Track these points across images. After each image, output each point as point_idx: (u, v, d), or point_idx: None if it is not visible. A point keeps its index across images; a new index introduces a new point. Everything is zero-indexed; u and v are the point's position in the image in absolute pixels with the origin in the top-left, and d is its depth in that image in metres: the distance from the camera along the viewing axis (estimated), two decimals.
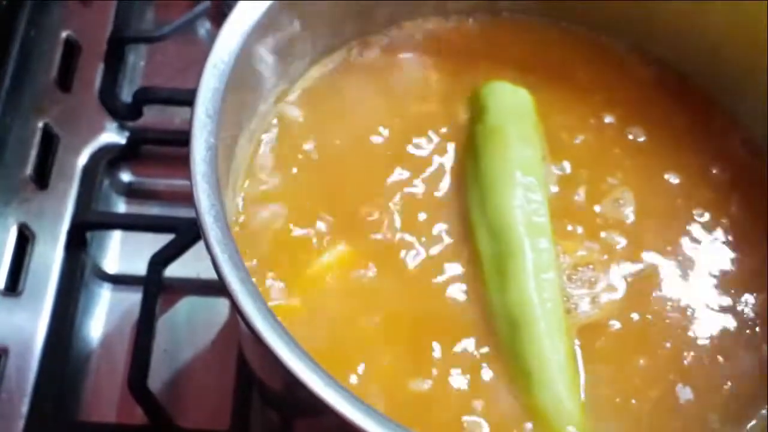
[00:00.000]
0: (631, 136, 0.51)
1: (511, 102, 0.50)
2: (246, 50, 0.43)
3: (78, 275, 0.58)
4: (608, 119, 0.52)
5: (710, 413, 0.44)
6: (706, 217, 0.49)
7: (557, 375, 0.43)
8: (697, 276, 0.47)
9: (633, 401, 0.44)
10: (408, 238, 0.47)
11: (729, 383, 0.45)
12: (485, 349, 0.44)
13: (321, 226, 0.47)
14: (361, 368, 0.43)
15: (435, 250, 0.46)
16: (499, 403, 0.43)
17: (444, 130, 0.50)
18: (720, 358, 0.45)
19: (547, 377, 0.42)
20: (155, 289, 0.57)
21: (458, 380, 0.43)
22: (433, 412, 0.42)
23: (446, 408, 0.43)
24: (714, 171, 0.51)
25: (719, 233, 0.49)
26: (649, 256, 0.47)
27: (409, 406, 0.43)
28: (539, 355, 0.43)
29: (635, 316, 0.46)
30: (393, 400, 0.42)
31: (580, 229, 0.47)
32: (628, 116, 0.52)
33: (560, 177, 0.49)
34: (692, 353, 0.45)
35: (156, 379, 0.56)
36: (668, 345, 0.45)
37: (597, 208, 0.48)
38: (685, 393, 0.44)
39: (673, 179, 0.50)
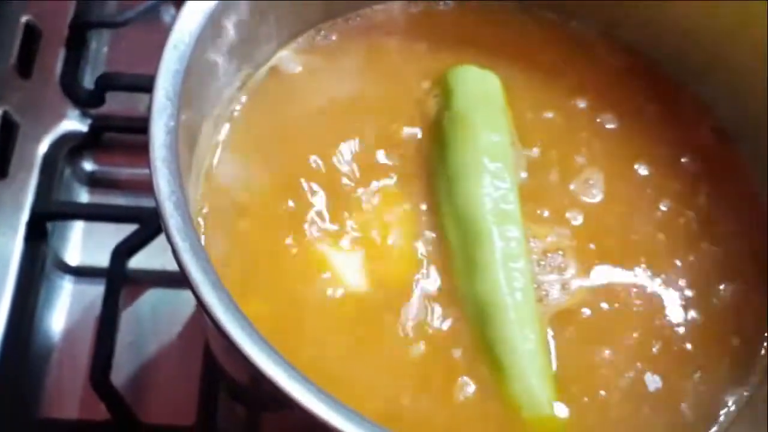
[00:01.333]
0: (601, 122, 0.51)
1: (479, 86, 0.49)
2: (207, 32, 0.41)
3: (38, 267, 0.57)
4: (579, 104, 0.51)
5: (681, 401, 0.44)
6: (673, 207, 0.48)
7: (528, 365, 0.42)
8: (664, 265, 0.47)
9: (602, 393, 0.43)
10: (374, 226, 0.46)
11: (699, 372, 0.44)
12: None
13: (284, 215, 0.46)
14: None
15: (402, 240, 0.46)
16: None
17: (411, 115, 0.49)
18: (688, 346, 0.45)
19: (518, 367, 0.42)
20: (118, 280, 0.55)
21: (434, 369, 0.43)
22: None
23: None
24: (684, 160, 0.50)
25: (686, 223, 0.48)
26: (617, 244, 0.47)
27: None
28: (510, 346, 0.42)
29: (604, 304, 0.45)
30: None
31: (549, 214, 0.47)
32: (599, 102, 0.51)
33: (529, 162, 0.48)
34: (660, 342, 0.45)
35: (120, 374, 0.54)
36: (636, 334, 0.45)
37: (567, 191, 0.48)
38: (654, 381, 0.44)
39: (642, 170, 0.49)
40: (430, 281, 0.45)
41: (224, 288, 0.36)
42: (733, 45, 0.49)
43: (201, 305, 0.35)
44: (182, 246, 0.36)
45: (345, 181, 0.47)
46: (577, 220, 0.47)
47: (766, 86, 0.48)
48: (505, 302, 0.43)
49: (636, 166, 0.49)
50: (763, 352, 0.46)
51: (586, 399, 0.43)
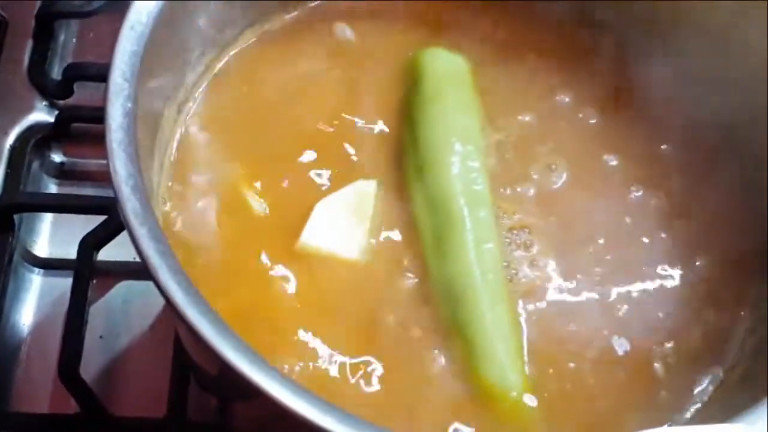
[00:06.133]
0: (580, 115, 0.50)
1: (448, 69, 0.49)
2: (167, 13, 0.40)
3: (6, 260, 0.56)
4: (558, 97, 0.50)
5: (653, 362, 0.44)
6: (644, 190, 0.48)
7: (500, 347, 0.42)
8: (632, 242, 0.47)
9: (571, 365, 0.43)
10: (343, 211, 0.45)
11: (672, 342, 0.44)
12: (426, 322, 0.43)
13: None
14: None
15: (372, 224, 0.45)
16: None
17: (379, 97, 0.49)
18: (659, 314, 0.45)
19: (489, 350, 0.41)
20: (86, 272, 0.54)
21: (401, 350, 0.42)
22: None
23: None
24: (663, 147, 0.50)
25: (658, 204, 0.48)
26: (582, 223, 0.47)
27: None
28: (481, 328, 0.42)
29: (569, 280, 0.45)
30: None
31: (514, 193, 0.47)
32: (576, 93, 0.51)
33: (497, 144, 0.48)
34: (626, 305, 0.45)
35: (91, 367, 0.54)
36: (602, 304, 0.45)
37: (531, 173, 0.47)
38: (621, 344, 0.44)
39: (612, 160, 0.49)
40: (401, 264, 0.44)
41: (184, 273, 0.35)
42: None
43: (160, 290, 0.35)
44: (140, 231, 0.35)
45: (311, 165, 0.46)
46: (542, 200, 0.47)
47: None
48: (477, 284, 0.42)
49: (605, 157, 0.49)
50: (740, 328, 0.45)
51: (553, 365, 0.43)
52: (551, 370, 0.43)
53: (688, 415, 0.43)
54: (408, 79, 0.49)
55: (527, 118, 0.49)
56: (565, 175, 0.48)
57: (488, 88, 0.50)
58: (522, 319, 0.43)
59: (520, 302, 0.44)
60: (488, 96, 0.49)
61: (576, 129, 0.50)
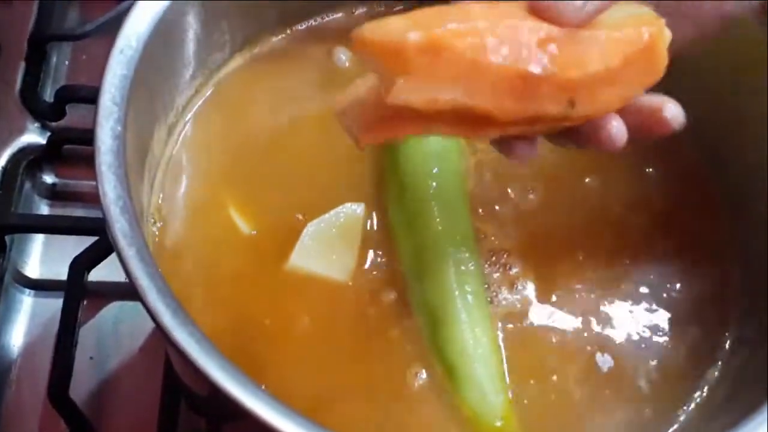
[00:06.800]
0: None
1: None
2: (157, 37, 0.41)
3: None
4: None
5: (638, 380, 0.44)
6: (627, 211, 0.48)
7: (481, 370, 0.42)
8: (613, 261, 0.47)
9: (554, 378, 0.43)
10: (328, 233, 0.45)
11: (656, 360, 0.45)
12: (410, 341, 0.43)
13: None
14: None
15: (353, 247, 0.46)
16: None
17: None
18: (643, 332, 0.45)
19: (471, 373, 0.42)
20: (77, 293, 0.54)
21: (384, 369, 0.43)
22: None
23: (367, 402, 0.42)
24: (648, 170, 0.50)
25: (640, 225, 0.48)
26: (564, 240, 0.47)
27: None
28: (462, 351, 0.42)
29: (552, 295, 0.45)
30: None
31: (493, 214, 0.47)
32: None
33: (476, 164, 0.48)
34: (609, 324, 0.45)
35: (81, 389, 0.54)
36: (583, 321, 0.45)
37: (510, 194, 0.48)
38: (606, 361, 0.44)
39: (593, 180, 0.49)
40: (388, 286, 0.44)
41: (173, 294, 0.35)
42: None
43: (148, 311, 0.35)
44: (128, 252, 0.35)
45: (300, 188, 0.47)
46: (521, 220, 0.47)
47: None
48: (457, 306, 0.42)
49: (587, 178, 0.49)
50: (723, 347, 0.46)
51: (535, 385, 0.43)
52: (532, 381, 0.43)
53: None
54: None
55: None
56: (544, 196, 0.48)
57: None
58: (502, 340, 0.44)
59: (500, 324, 0.44)
60: None
61: (556, 150, 0.49)
